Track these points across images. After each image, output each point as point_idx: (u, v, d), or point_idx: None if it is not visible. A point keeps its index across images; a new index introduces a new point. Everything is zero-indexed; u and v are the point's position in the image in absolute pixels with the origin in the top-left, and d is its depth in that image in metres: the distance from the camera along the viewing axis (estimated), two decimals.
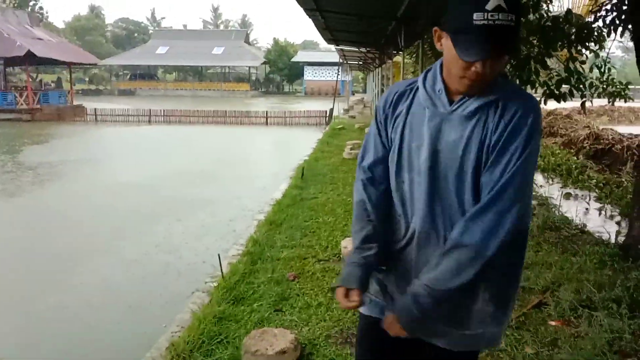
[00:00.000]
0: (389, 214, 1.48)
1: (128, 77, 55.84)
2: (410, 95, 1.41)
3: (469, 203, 1.31)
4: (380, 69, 20.70)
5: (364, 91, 37.38)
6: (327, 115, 22.36)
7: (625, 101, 6.78)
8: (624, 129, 11.80)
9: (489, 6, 1.15)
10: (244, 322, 3.36)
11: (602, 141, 10.17)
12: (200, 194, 8.71)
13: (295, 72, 54.48)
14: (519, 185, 1.26)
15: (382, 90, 18.43)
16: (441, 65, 1.36)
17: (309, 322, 3.38)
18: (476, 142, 1.29)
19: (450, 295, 1.30)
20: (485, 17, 1.15)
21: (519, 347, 2.92)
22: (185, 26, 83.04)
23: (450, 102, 1.33)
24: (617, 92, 6.56)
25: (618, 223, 5.63)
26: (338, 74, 28.01)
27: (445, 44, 1.27)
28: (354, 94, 39.86)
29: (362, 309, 1.54)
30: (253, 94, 50.41)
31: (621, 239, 4.90)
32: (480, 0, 1.15)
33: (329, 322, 3.38)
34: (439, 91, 1.34)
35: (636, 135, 10.11)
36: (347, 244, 4.44)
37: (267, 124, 22.91)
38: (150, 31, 70.57)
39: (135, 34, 77.12)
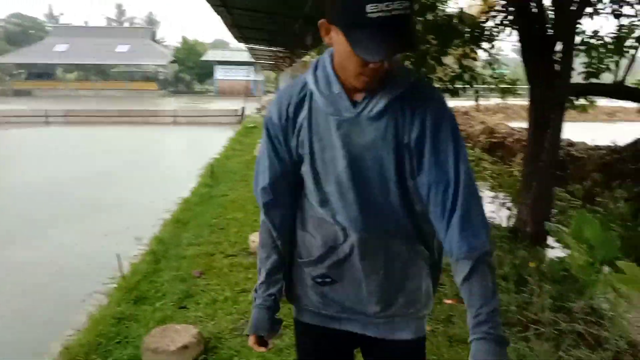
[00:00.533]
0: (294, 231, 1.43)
1: (24, 76, 51.66)
2: (307, 103, 1.29)
3: (395, 202, 1.27)
4: (290, 68, 20.81)
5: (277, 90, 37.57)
6: (240, 114, 22.12)
7: (515, 97, 7.38)
8: (516, 124, 12.65)
9: None
10: (145, 321, 3.25)
11: (496, 135, 10.90)
12: (101, 196, 8.23)
13: (205, 71, 53.15)
14: (471, 172, 1.23)
15: None
16: (330, 60, 1.25)
17: (215, 317, 3.34)
18: (391, 140, 1.22)
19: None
20: (380, 8, 1.02)
21: None
22: (86, 23, 78.57)
23: (353, 103, 1.22)
24: (507, 88, 7.10)
25: (509, 209, 6.05)
26: (250, 74, 27.82)
27: (336, 39, 1.14)
28: (266, 94, 39.76)
29: (298, 316, 1.48)
30: (162, 93, 48.51)
31: (511, 223, 5.29)
32: None
33: (236, 315, 3.36)
34: (338, 94, 1.23)
35: (526, 129, 10.87)
36: (255, 238, 4.42)
37: (175, 123, 22.12)
38: (48, 28, 65.89)
39: (31, 31, 71.31)
